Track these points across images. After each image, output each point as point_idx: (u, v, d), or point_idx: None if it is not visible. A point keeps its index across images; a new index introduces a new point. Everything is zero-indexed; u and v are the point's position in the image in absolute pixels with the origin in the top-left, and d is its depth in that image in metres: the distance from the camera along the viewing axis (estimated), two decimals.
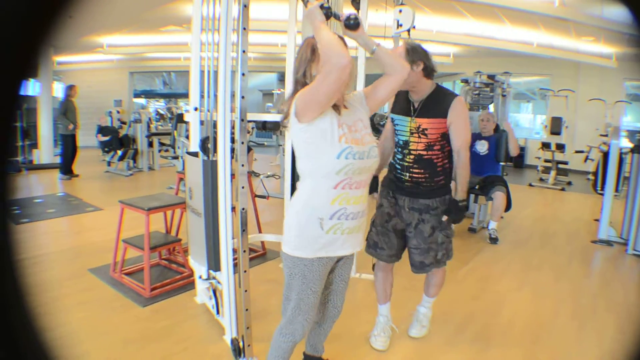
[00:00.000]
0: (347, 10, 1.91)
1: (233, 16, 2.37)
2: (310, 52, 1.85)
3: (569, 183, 10.12)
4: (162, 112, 12.50)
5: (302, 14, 1.91)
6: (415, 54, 2.43)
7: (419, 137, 2.54)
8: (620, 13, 6.65)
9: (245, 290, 2.34)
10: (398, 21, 3.40)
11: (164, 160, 9.11)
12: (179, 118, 7.34)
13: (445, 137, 2.55)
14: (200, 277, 3.14)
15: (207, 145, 2.77)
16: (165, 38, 10.28)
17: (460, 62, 12.78)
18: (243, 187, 2.24)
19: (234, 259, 2.46)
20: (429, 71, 2.48)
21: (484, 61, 12.54)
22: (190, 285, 3.48)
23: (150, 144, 8.77)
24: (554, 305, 3.65)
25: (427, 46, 2.54)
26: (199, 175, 2.66)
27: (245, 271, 2.32)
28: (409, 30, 3.43)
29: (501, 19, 8.49)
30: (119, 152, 8.52)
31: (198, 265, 3.14)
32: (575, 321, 3.38)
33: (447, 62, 12.28)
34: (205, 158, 2.75)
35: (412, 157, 2.56)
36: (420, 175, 2.57)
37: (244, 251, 2.30)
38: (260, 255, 4.37)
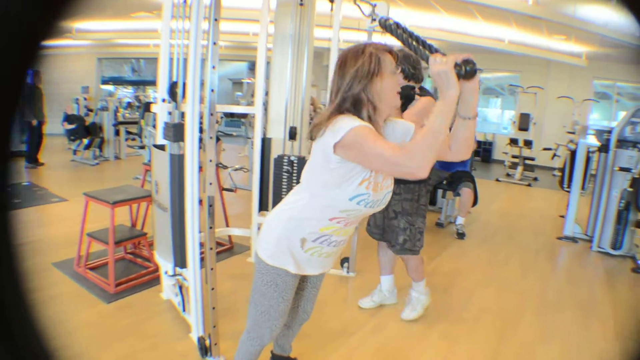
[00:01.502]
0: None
1: (205, 3, 2.30)
2: (376, 64, 1.55)
3: (535, 179, 10.31)
4: (130, 100, 12.19)
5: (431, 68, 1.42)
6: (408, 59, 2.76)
7: None
8: (593, 13, 6.80)
9: (212, 288, 2.29)
10: (373, 13, 3.37)
11: (130, 150, 8.91)
12: (147, 107, 7.17)
13: None
14: (166, 273, 3.07)
15: (176, 90, 2.67)
16: (136, 24, 10.02)
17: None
18: (211, 184, 2.18)
19: (201, 253, 2.40)
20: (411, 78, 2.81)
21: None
22: (155, 280, 3.40)
23: (117, 133, 8.54)
24: (520, 301, 3.70)
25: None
26: (165, 169, 2.57)
27: (212, 269, 2.26)
28: (384, 19, 3.39)
29: (475, 15, 8.55)
30: (85, 141, 8.28)
31: (164, 261, 3.07)
32: (540, 317, 3.44)
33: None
34: (174, 152, 2.66)
35: None
36: None
37: (211, 248, 2.25)
38: (227, 249, 4.30)
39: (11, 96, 0.66)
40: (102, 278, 3.31)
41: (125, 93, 15.00)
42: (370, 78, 1.55)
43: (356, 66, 1.55)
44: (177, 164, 2.50)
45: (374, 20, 3.32)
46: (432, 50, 1.50)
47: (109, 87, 15.98)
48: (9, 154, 0.70)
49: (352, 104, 1.56)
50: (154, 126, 7.07)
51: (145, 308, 3.04)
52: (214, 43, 2.07)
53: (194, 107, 2.41)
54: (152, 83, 15.52)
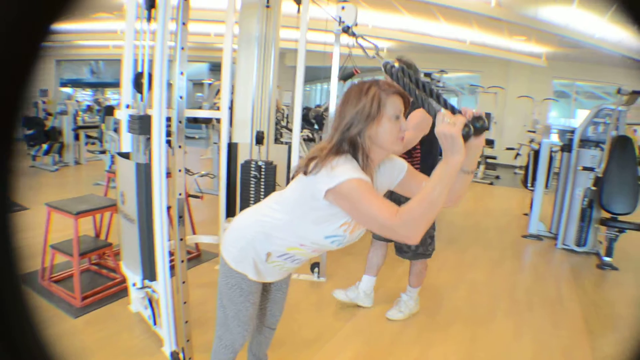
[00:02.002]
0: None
1: (172, 4, 2.22)
2: (376, 109, 1.46)
3: (498, 177, 10.52)
4: (89, 103, 11.85)
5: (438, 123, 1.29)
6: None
7: None
8: (554, 14, 6.97)
9: (185, 302, 2.22)
10: (340, 18, 3.34)
11: (90, 154, 8.65)
12: (108, 111, 6.97)
13: None
14: (134, 285, 2.96)
15: (141, 81, 2.56)
16: (95, 25, 9.76)
17: (393, 57, 12.97)
18: (181, 194, 2.11)
19: (171, 261, 2.31)
20: None
21: (417, 57, 12.75)
22: (123, 292, 3.28)
23: (77, 137, 8.27)
24: (490, 301, 3.75)
25: (362, 42, 2.56)
26: (131, 179, 2.47)
27: (184, 282, 2.19)
28: (350, 27, 3.38)
29: (437, 16, 8.67)
30: (45, 146, 7.98)
31: (131, 273, 2.96)
32: (511, 317, 3.49)
33: (374, 56, 12.46)
34: (139, 161, 2.56)
35: None
36: None
37: (182, 261, 2.17)
38: (195, 257, 4.19)
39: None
40: (67, 291, 3.17)
41: (84, 96, 14.58)
42: (368, 123, 1.47)
43: (357, 108, 1.47)
44: (144, 173, 2.40)
45: (342, 22, 3.30)
46: (440, 102, 1.36)
47: (68, 90, 15.50)
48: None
49: (350, 145, 1.49)
50: (115, 130, 6.93)
51: (114, 322, 2.93)
52: (182, 48, 2.00)
53: (161, 112, 2.33)
54: (112, 85, 15.15)
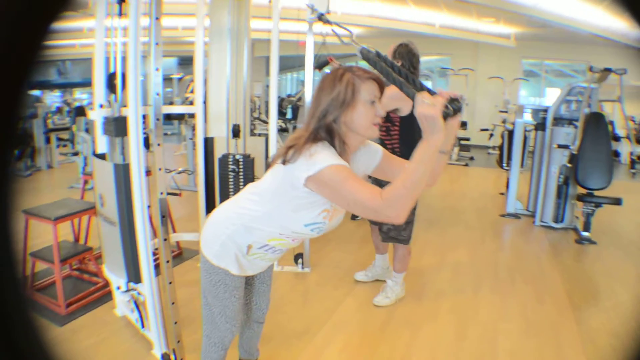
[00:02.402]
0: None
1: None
2: (350, 94, 1.48)
3: (472, 158, 10.65)
4: (59, 104, 11.56)
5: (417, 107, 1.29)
6: (405, 53, 3.04)
7: None
8: None
9: (173, 303, 2.19)
10: (312, 6, 3.30)
11: (63, 157, 8.46)
12: (78, 111, 6.80)
13: (388, 119, 3.06)
14: (118, 288, 2.91)
15: (115, 82, 2.52)
16: (61, 24, 9.48)
17: (363, 42, 12.95)
18: (162, 193, 2.07)
19: (155, 260, 2.27)
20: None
21: (386, 42, 12.77)
22: (107, 296, 3.22)
23: (48, 141, 8.07)
24: (475, 281, 3.80)
25: (336, 29, 2.55)
26: (110, 181, 2.41)
27: (170, 282, 2.16)
28: (323, 15, 3.34)
29: (406, 1, 8.67)
30: (16, 151, 7.75)
31: (115, 276, 2.91)
32: (496, 296, 3.54)
33: (350, 42, 12.44)
34: (118, 162, 2.51)
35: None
36: None
37: (167, 261, 2.14)
38: (177, 255, 4.13)
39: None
40: (51, 299, 3.09)
41: (52, 97, 14.20)
42: (344, 109, 1.48)
43: (332, 95, 1.49)
44: (123, 174, 2.35)
45: (315, 11, 3.25)
46: (417, 85, 1.39)
47: (36, 92, 15.07)
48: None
49: (326, 132, 1.50)
50: (87, 131, 6.77)
51: (101, 328, 2.87)
52: (157, 44, 1.95)
53: (137, 110, 2.28)
54: (80, 85, 14.80)
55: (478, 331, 3.02)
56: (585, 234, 4.87)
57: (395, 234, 3.16)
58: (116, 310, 3.04)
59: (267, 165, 1.64)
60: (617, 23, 7.90)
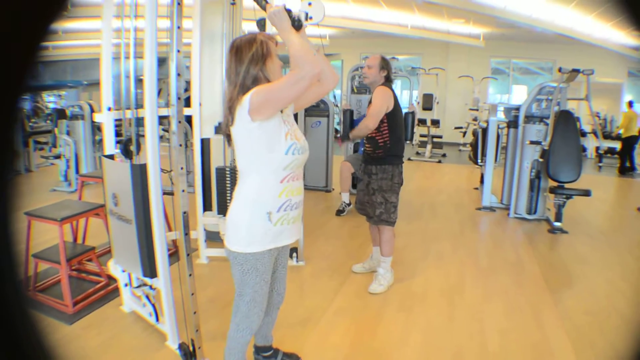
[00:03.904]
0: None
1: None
2: (265, 49, 1.84)
3: (444, 155, 10.99)
4: (30, 107, 11.35)
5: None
6: (386, 64, 3.44)
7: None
8: None
9: (192, 294, 2.32)
10: (307, 13, 3.46)
11: (40, 160, 8.36)
12: (60, 114, 6.77)
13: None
14: (126, 285, 3.02)
15: (130, 148, 2.64)
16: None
17: (335, 43, 13.20)
18: (184, 191, 2.20)
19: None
20: (389, 78, 3.47)
21: (359, 42, 13.11)
22: (111, 294, 3.31)
23: (26, 144, 7.97)
24: (458, 269, 4.05)
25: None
26: (126, 181, 2.52)
27: (190, 274, 2.29)
28: (318, 24, 3.51)
29: (379, 2, 8.91)
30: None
31: (122, 274, 3.01)
32: (479, 282, 3.80)
33: (323, 43, 12.63)
34: (129, 161, 2.62)
35: (366, 136, 3.46)
36: (368, 149, 3.47)
37: (188, 255, 2.27)
38: (173, 253, 4.22)
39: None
40: (55, 299, 3.16)
41: (24, 99, 13.88)
42: (264, 60, 1.84)
43: (252, 51, 1.83)
44: (140, 174, 2.47)
45: (310, 18, 3.42)
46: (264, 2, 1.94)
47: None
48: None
49: (252, 82, 1.82)
50: (68, 133, 6.74)
51: (111, 324, 2.96)
52: (178, 51, 2.08)
53: (153, 113, 2.41)
54: (50, 88, 14.53)
55: (466, 313, 3.26)
56: (557, 224, 5.19)
57: (386, 217, 3.42)
58: (123, 307, 3.13)
59: (227, 136, 1.92)
60: (581, 23, 8.34)
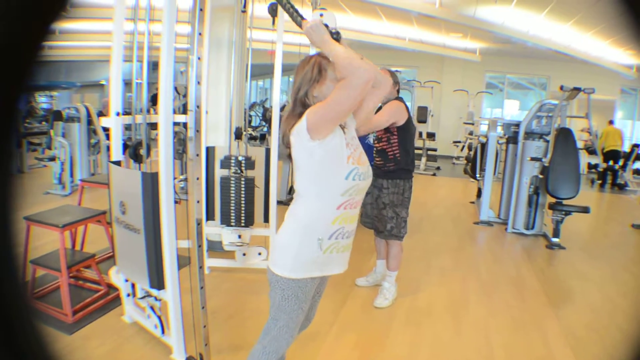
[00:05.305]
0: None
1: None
2: (317, 72, 1.75)
3: (438, 168, 11.01)
4: (34, 107, 11.20)
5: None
6: (396, 78, 3.43)
7: (375, 133, 3.46)
8: (491, 13, 7.42)
9: (203, 307, 2.26)
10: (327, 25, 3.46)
11: (33, 162, 8.23)
12: (56, 116, 6.67)
13: (387, 130, 3.34)
14: (128, 295, 2.95)
15: (140, 152, 2.58)
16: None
17: None
18: (198, 202, 2.16)
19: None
20: (398, 91, 3.48)
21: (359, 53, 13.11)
22: (111, 303, 3.23)
23: (19, 145, 7.84)
24: (461, 284, 4.04)
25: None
26: (136, 189, 2.46)
27: (202, 287, 2.24)
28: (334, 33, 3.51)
29: (379, 15, 8.95)
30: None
31: (124, 283, 2.94)
32: (483, 297, 3.79)
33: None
34: (136, 167, 2.56)
35: (375, 149, 3.46)
36: (379, 162, 3.43)
37: (200, 267, 2.22)
38: None
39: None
40: (54, 307, 3.07)
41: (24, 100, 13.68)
42: (312, 84, 1.74)
43: (303, 73, 1.76)
44: (151, 182, 2.40)
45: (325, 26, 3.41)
46: (301, 17, 1.82)
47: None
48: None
49: (301, 106, 1.75)
50: (63, 135, 6.63)
51: (112, 335, 2.88)
52: (199, 58, 2.04)
53: (167, 119, 2.35)
54: (44, 88, 14.36)
55: (471, 327, 3.25)
56: (555, 239, 5.21)
57: (396, 232, 3.40)
58: (125, 317, 3.05)
59: (288, 157, 1.82)
60: (579, 41, 8.44)
